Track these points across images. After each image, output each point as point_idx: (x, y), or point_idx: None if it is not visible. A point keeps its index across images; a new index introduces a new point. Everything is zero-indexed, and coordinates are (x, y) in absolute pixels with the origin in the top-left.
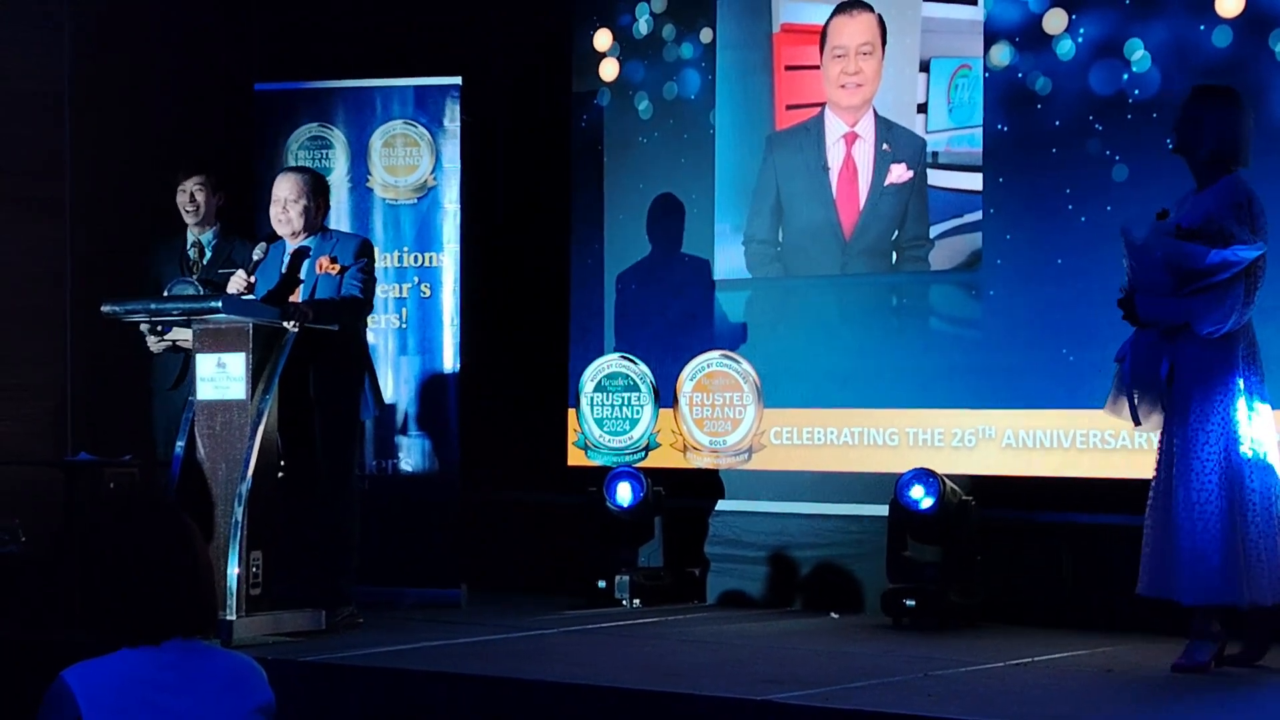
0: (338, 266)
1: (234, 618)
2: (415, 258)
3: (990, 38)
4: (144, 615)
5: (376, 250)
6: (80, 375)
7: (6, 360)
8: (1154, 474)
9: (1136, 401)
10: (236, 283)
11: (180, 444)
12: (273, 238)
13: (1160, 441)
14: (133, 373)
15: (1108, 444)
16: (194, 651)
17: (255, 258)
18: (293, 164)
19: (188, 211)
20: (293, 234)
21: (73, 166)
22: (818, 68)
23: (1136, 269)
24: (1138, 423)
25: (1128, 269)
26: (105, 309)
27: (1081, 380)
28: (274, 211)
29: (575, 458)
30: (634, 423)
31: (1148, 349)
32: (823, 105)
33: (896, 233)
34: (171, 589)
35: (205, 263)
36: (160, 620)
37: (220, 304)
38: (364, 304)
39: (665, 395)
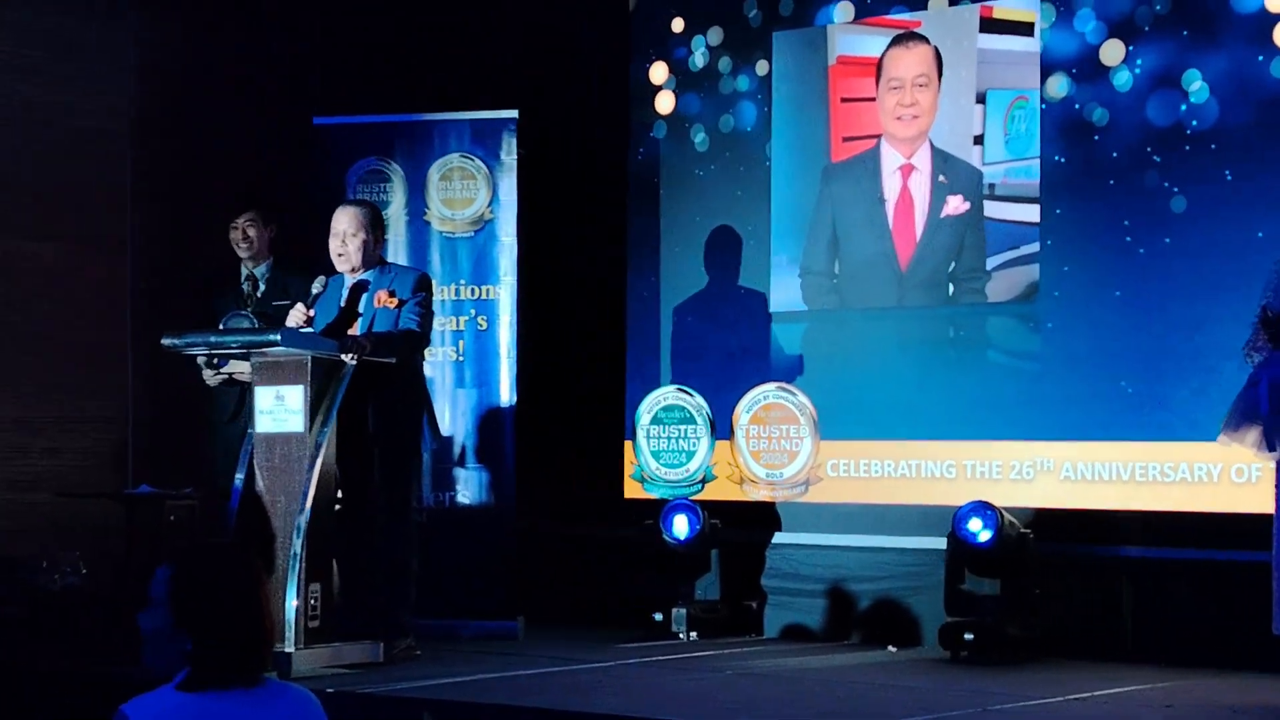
0: (395, 300)
1: (293, 650)
2: (472, 290)
3: (1047, 69)
4: (206, 656)
5: (434, 283)
6: (141, 408)
7: (69, 393)
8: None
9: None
10: (296, 316)
11: (239, 476)
12: (331, 271)
13: None
14: (193, 406)
15: (1167, 477)
16: (256, 687)
17: (314, 291)
18: (350, 197)
19: (240, 247)
20: (351, 269)
21: (133, 202)
22: (874, 100)
23: None
24: (1272, 449)
25: (1273, 290)
26: (165, 342)
27: (1140, 412)
28: (333, 246)
29: (632, 490)
30: (690, 455)
31: None
32: (879, 137)
33: (953, 264)
34: (250, 631)
35: (260, 295)
36: (240, 664)
37: (279, 337)
38: (421, 338)
39: (722, 428)
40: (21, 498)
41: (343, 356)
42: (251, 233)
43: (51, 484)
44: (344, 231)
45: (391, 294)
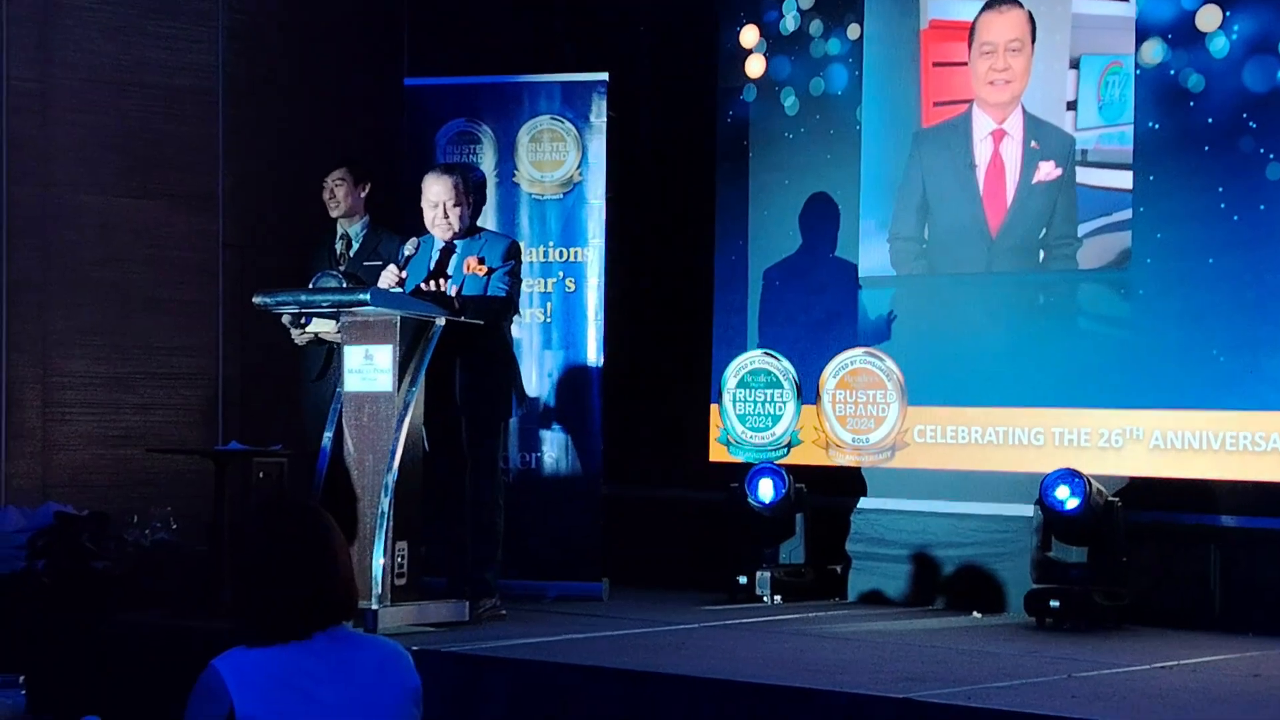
0: (485, 268)
1: (379, 607)
2: (560, 253)
3: (1142, 34)
4: (287, 614)
5: (523, 246)
6: (232, 366)
7: (161, 350)
8: None
9: None
10: (388, 277)
11: (328, 435)
12: (423, 233)
13: None
14: (283, 363)
15: (1258, 446)
16: (342, 640)
17: (407, 253)
18: (442, 160)
19: (330, 205)
20: (452, 237)
21: (225, 161)
22: (966, 64)
23: None
24: None
25: None
26: (256, 300)
27: (1232, 381)
28: (432, 214)
29: (717, 453)
30: (776, 419)
31: None
32: (970, 102)
33: (1044, 230)
34: (312, 587)
35: (352, 255)
36: (302, 618)
37: (368, 296)
38: (509, 305)
39: (808, 392)
40: (114, 453)
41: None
42: (339, 191)
43: (143, 440)
44: (443, 202)
45: (481, 261)
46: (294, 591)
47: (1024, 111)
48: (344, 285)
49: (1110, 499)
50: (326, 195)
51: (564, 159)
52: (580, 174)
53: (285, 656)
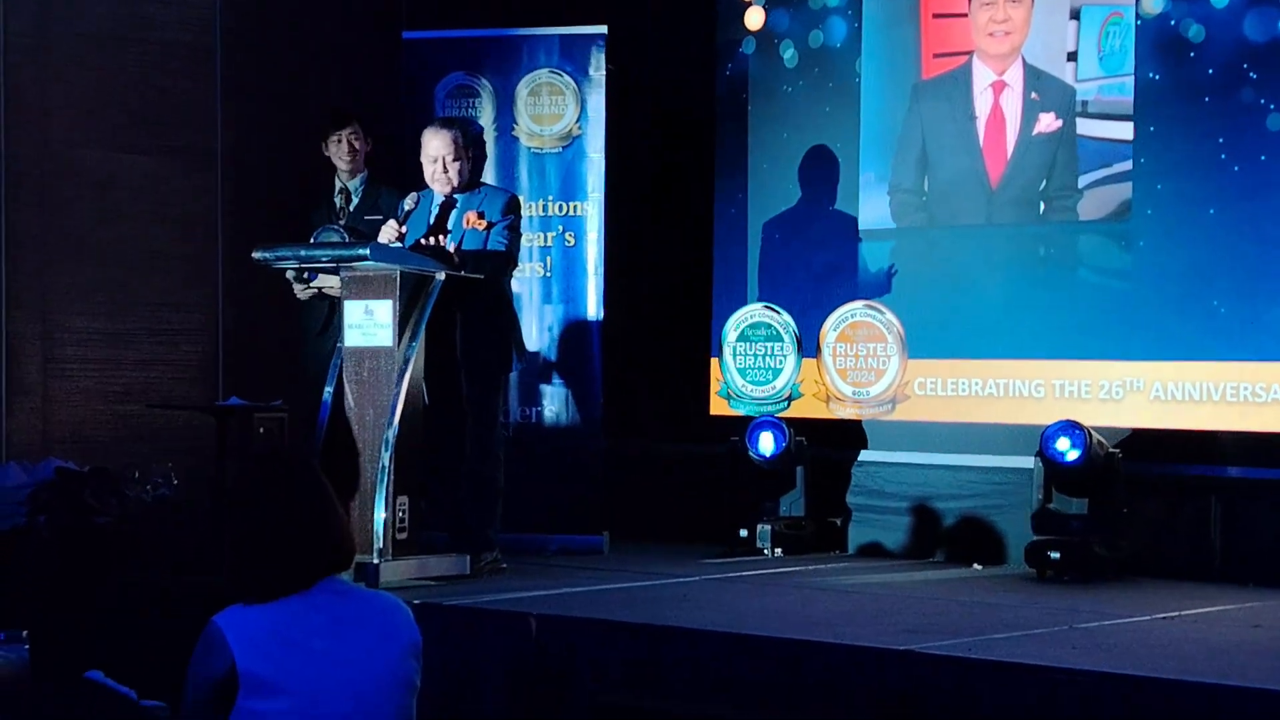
0: (484, 222)
1: (379, 561)
2: (560, 206)
3: None
4: (283, 568)
5: (522, 200)
6: (232, 321)
7: (160, 306)
8: None
9: None
10: (388, 232)
11: (328, 390)
12: (423, 188)
13: None
14: (283, 319)
15: (1258, 397)
16: (342, 594)
17: (407, 208)
18: (441, 114)
19: (344, 160)
20: (452, 191)
21: (223, 116)
22: (965, 16)
23: None
24: None
25: None
26: (256, 255)
27: (1232, 333)
28: (432, 169)
29: (718, 407)
30: (777, 373)
31: None
32: (970, 53)
33: (1044, 182)
34: (307, 539)
35: (352, 209)
36: (298, 571)
37: (368, 251)
38: (509, 259)
39: (808, 345)
40: (114, 409)
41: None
42: (356, 144)
43: (143, 396)
44: (443, 156)
45: (480, 215)
46: (288, 545)
47: (1024, 63)
48: (347, 240)
49: (1110, 450)
50: (343, 150)
51: (563, 113)
52: (579, 128)
53: (285, 612)
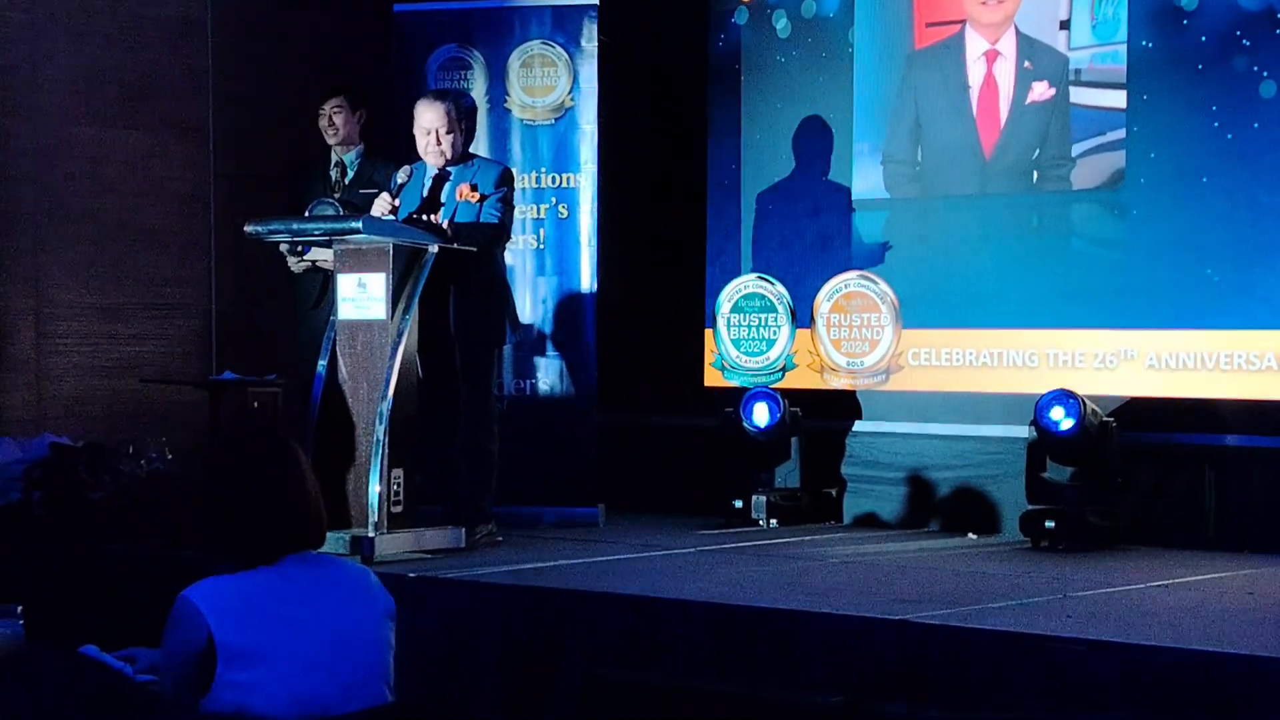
0: (477, 195)
1: (375, 534)
2: (553, 179)
3: None
4: (255, 538)
5: (515, 172)
6: (225, 295)
7: (153, 280)
8: None
9: None
10: (381, 205)
11: (322, 363)
12: (416, 160)
13: None
14: (277, 293)
15: (1252, 365)
16: (313, 563)
17: (399, 181)
18: (433, 87)
19: (328, 134)
20: (445, 163)
21: (215, 89)
22: None
23: None
24: None
25: None
26: (248, 229)
27: (1226, 300)
28: (425, 142)
29: (712, 378)
30: (771, 343)
31: None
32: (963, 23)
33: (1038, 151)
34: (278, 510)
35: (347, 183)
36: (270, 542)
37: (360, 224)
38: (502, 232)
39: (802, 316)
40: (108, 384)
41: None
42: (338, 119)
43: (138, 371)
44: (436, 129)
45: (474, 188)
46: (260, 516)
47: (1017, 31)
48: (340, 213)
49: (1105, 419)
50: (325, 123)
51: (555, 84)
52: (572, 99)
53: (257, 582)
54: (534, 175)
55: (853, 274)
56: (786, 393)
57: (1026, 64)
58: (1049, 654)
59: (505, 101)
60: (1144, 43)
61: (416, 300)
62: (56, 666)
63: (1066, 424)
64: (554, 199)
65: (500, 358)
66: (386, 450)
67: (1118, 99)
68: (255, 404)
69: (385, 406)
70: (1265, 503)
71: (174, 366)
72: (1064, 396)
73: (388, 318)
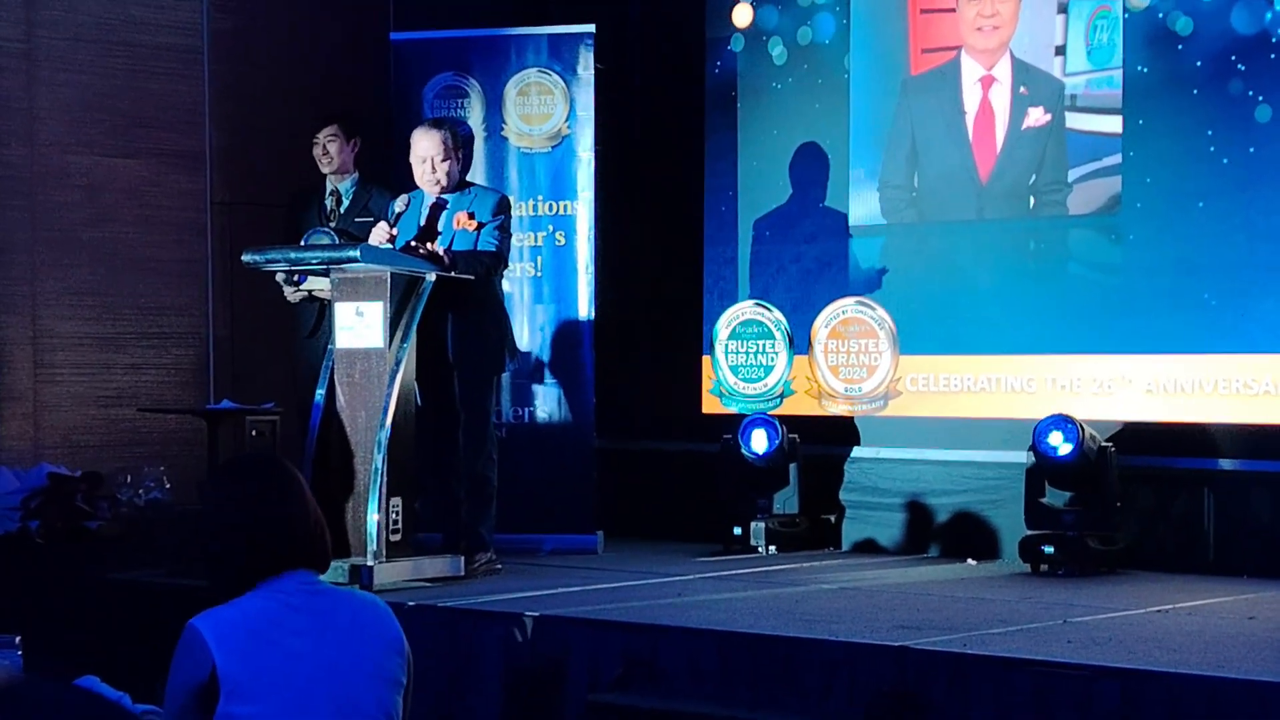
0: (475, 223)
1: (374, 563)
2: (550, 206)
3: None
4: (253, 561)
5: (512, 200)
6: (223, 324)
7: (151, 309)
8: None
9: None
10: (379, 234)
11: (320, 392)
12: (414, 189)
13: None
14: (274, 322)
15: (1250, 389)
16: (319, 594)
17: (397, 209)
18: (430, 115)
19: (322, 162)
20: (441, 191)
21: (212, 118)
22: (953, 10)
23: None
24: None
25: None
26: (245, 259)
27: (1223, 324)
28: (421, 170)
29: (710, 405)
30: (769, 370)
31: None
32: (959, 49)
33: (1034, 177)
34: (277, 533)
35: (343, 211)
36: (268, 564)
37: (358, 253)
38: (500, 260)
39: (800, 342)
40: (105, 413)
41: (425, 251)
42: (332, 148)
43: (135, 400)
44: (431, 157)
45: (471, 216)
46: (262, 538)
47: (1012, 57)
48: (337, 242)
49: (1103, 444)
50: (319, 152)
51: (552, 112)
52: (569, 127)
53: (263, 612)
54: (531, 203)
55: (850, 300)
56: (785, 419)
57: (1022, 89)
58: (1049, 679)
59: (502, 129)
60: (1139, 67)
61: (414, 328)
62: (54, 698)
63: (1065, 449)
64: (551, 226)
65: (498, 385)
66: (385, 479)
67: (1113, 124)
68: (253, 433)
69: (383, 435)
70: (1264, 527)
71: (171, 395)
72: (1062, 421)
73: (385, 346)
